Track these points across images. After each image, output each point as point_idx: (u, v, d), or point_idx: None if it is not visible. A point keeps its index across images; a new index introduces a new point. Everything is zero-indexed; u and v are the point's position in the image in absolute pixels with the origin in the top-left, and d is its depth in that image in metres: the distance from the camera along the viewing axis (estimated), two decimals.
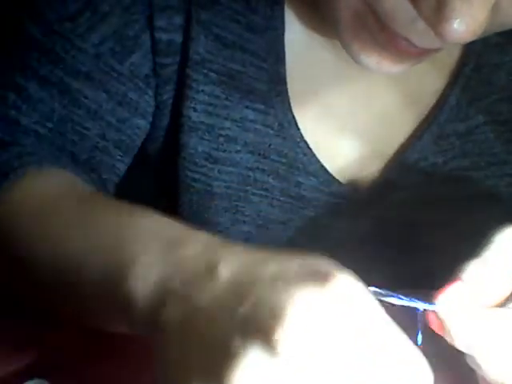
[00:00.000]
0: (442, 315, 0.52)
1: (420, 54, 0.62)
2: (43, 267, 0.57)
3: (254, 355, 0.38)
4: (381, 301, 0.47)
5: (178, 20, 0.71)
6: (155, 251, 0.47)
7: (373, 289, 0.51)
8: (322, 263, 0.42)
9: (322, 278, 0.40)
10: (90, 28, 0.70)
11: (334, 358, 0.38)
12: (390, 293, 0.52)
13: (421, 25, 0.56)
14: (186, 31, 0.72)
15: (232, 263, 0.43)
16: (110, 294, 0.49)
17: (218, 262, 0.43)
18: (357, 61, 0.63)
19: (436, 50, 0.62)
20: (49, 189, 0.63)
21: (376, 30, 0.60)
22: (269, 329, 0.38)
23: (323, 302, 0.39)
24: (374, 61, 0.62)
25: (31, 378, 0.57)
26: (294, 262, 0.42)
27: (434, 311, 0.53)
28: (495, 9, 0.55)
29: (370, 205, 0.78)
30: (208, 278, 0.43)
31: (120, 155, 0.74)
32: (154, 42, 0.71)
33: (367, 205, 0.78)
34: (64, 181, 0.66)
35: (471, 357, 0.53)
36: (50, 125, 0.70)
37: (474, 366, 0.53)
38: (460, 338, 0.52)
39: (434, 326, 0.53)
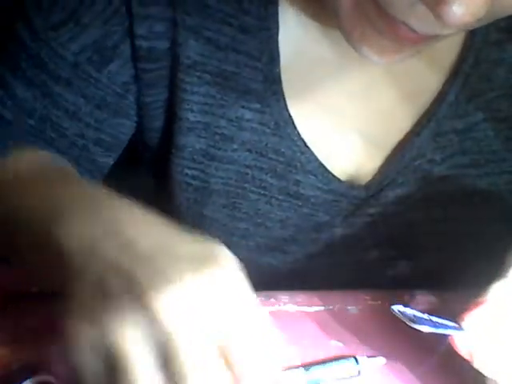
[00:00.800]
0: (468, 340, 0.53)
1: (419, 41, 0.61)
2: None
3: (131, 309, 0.48)
4: (409, 326, 0.49)
5: (160, 27, 0.73)
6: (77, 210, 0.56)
7: (397, 309, 0.52)
8: (216, 248, 0.52)
9: (210, 260, 0.50)
10: (72, 38, 0.73)
11: (194, 324, 0.48)
12: (415, 313, 0.53)
13: (420, 8, 0.56)
14: (173, 38, 0.73)
15: (147, 235, 0.53)
16: (42, 243, 0.56)
17: (132, 234, 0.53)
18: (357, 50, 0.63)
19: (436, 39, 0.61)
20: (21, 162, 0.70)
21: (376, 18, 0.60)
22: (144, 292, 0.48)
23: (201, 279, 0.49)
24: (375, 50, 0.62)
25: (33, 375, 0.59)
26: (195, 245, 0.52)
27: (460, 335, 0.53)
28: None
29: (368, 202, 0.77)
30: (114, 239, 0.53)
31: (101, 151, 0.78)
32: (135, 49, 0.74)
33: (365, 202, 0.78)
34: (36, 156, 0.72)
35: (494, 381, 0.53)
36: (31, 122, 0.75)
37: None
38: (486, 363, 0.52)
39: (461, 351, 0.53)
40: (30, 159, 0.70)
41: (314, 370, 0.62)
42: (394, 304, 0.53)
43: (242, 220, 0.78)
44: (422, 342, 0.53)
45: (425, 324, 0.52)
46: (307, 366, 0.62)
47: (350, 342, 0.65)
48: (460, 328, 0.53)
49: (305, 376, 0.62)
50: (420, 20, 0.58)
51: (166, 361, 0.48)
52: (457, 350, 0.53)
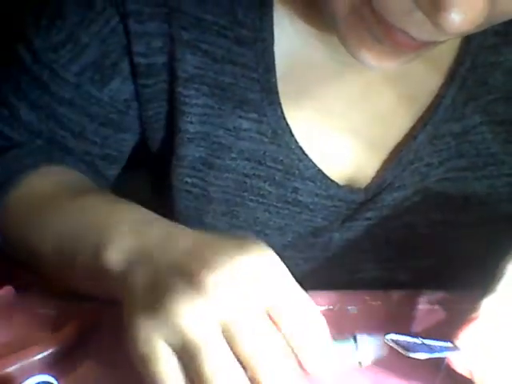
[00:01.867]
0: (465, 359, 0.53)
1: (418, 48, 0.61)
2: (43, 249, 0.67)
3: (185, 290, 0.52)
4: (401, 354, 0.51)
5: (158, 43, 0.74)
6: (127, 231, 0.61)
7: (390, 338, 0.52)
8: (253, 239, 0.57)
9: (251, 246, 0.56)
10: (72, 59, 0.74)
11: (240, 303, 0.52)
12: (408, 339, 0.53)
13: (418, 16, 0.56)
14: (170, 53, 0.74)
15: (187, 237, 0.58)
16: (92, 265, 0.61)
17: (177, 236, 0.59)
18: (355, 57, 0.63)
19: (434, 44, 0.61)
20: (45, 185, 0.73)
21: (373, 24, 0.60)
22: (196, 272, 0.53)
23: (243, 261, 0.54)
24: (373, 56, 0.62)
25: (36, 373, 0.59)
26: (233, 238, 0.57)
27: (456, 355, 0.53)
28: None
29: (366, 206, 0.78)
30: (167, 245, 0.58)
31: (107, 165, 0.80)
32: (134, 66, 0.75)
33: (363, 206, 0.78)
34: (59, 176, 0.75)
35: None
36: (39, 142, 0.77)
37: None
38: (486, 379, 0.53)
39: (460, 369, 0.53)
40: (55, 179, 0.73)
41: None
42: (387, 333, 0.53)
43: (241, 228, 0.78)
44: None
45: (420, 351, 0.52)
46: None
47: None
48: (455, 348, 0.53)
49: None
50: (418, 27, 0.58)
51: (228, 336, 0.52)
52: (456, 369, 0.53)
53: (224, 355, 0.51)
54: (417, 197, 0.77)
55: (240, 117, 0.75)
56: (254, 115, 0.75)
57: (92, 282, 0.62)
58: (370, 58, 0.62)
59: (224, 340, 0.52)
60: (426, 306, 0.68)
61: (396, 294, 0.70)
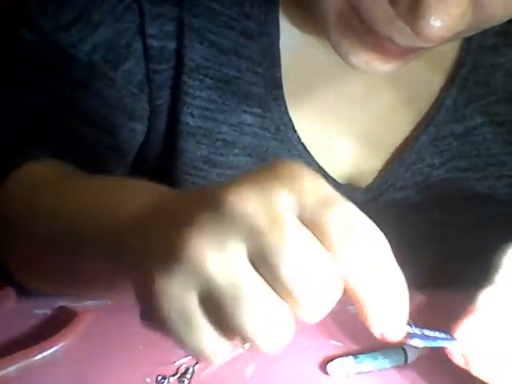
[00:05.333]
0: (463, 350, 0.53)
1: (405, 54, 0.62)
2: (46, 235, 0.59)
3: (207, 218, 0.41)
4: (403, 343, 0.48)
5: (170, 27, 0.72)
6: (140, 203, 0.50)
7: None
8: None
9: (270, 164, 0.43)
10: (84, 37, 0.71)
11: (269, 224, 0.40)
12: (409, 330, 0.52)
13: (400, 23, 0.57)
14: (179, 38, 0.73)
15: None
16: (106, 243, 0.51)
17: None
18: (346, 61, 0.64)
19: (423, 50, 0.62)
20: (50, 171, 0.66)
21: (361, 30, 0.61)
22: (218, 195, 0.41)
23: (269, 174, 0.42)
24: (363, 60, 0.63)
25: None
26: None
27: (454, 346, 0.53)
28: (477, 4, 0.56)
29: (367, 206, 0.77)
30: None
31: (116, 158, 0.75)
32: (146, 48, 0.73)
33: (365, 206, 0.77)
34: (57, 165, 0.68)
35: None
36: (46, 130, 0.72)
37: None
38: (483, 370, 0.53)
39: (458, 361, 0.53)
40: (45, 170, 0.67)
41: (363, 358, 0.63)
42: None
43: None
44: None
45: (417, 337, 0.52)
46: (356, 355, 0.63)
47: (350, 342, 0.66)
48: (453, 339, 0.53)
49: (354, 365, 0.62)
50: (401, 34, 0.59)
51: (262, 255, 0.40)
52: (453, 360, 0.53)
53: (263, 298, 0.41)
54: (418, 197, 0.78)
55: (244, 112, 0.75)
56: (258, 110, 0.75)
57: (102, 259, 0.52)
58: (358, 62, 0.63)
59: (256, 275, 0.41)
60: (426, 305, 0.69)
61: None
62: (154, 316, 0.43)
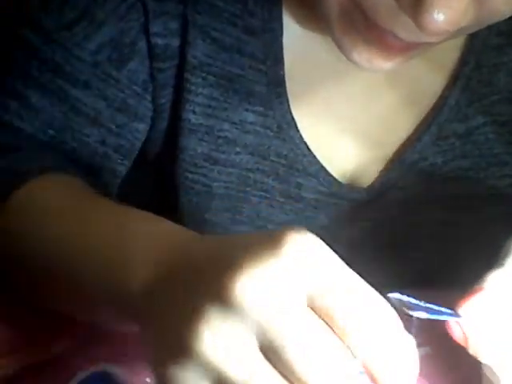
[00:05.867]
0: (465, 327, 0.53)
1: (408, 49, 0.62)
2: (46, 264, 0.59)
3: (215, 312, 0.41)
4: (404, 312, 0.48)
5: (174, 25, 0.72)
6: (148, 245, 0.51)
7: (394, 297, 0.51)
8: (282, 229, 0.43)
9: (276, 238, 0.42)
10: (87, 36, 0.71)
11: (283, 311, 0.41)
12: (411, 300, 0.52)
13: (403, 18, 0.57)
14: (183, 35, 0.72)
15: (205, 245, 0.48)
16: (109, 284, 0.52)
17: (192, 248, 0.48)
18: (348, 58, 0.64)
19: (427, 45, 0.62)
20: (51, 193, 0.65)
21: (363, 26, 0.60)
22: (225, 287, 0.41)
23: (276, 259, 0.41)
24: (365, 57, 0.63)
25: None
26: (254, 236, 0.45)
27: (457, 322, 0.53)
28: None
29: (369, 205, 0.78)
30: (185, 256, 0.47)
31: (120, 159, 0.76)
32: (151, 47, 0.72)
33: (367, 205, 0.78)
34: (66, 184, 0.67)
35: (489, 367, 0.53)
36: (51, 132, 0.72)
37: (491, 377, 0.54)
38: (483, 351, 0.52)
39: (457, 337, 0.53)
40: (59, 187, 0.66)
41: None
42: (391, 292, 0.53)
43: (244, 223, 0.78)
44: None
45: (422, 311, 0.52)
46: None
47: None
48: (457, 315, 0.53)
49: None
50: (405, 29, 0.59)
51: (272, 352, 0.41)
52: (452, 335, 0.53)
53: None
54: (420, 197, 0.78)
55: (246, 110, 0.75)
56: (260, 108, 0.75)
57: (104, 305, 0.55)
58: (361, 59, 0.63)
59: (268, 365, 0.42)
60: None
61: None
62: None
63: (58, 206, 0.63)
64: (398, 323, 0.43)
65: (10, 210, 0.65)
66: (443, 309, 0.53)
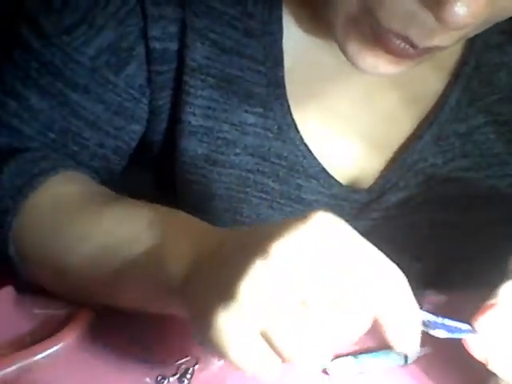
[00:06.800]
0: (483, 344, 0.53)
1: (416, 56, 0.62)
2: (86, 263, 0.63)
3: (256, 266, 0.47)
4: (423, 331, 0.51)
5: (173, 29, 0.73)
6: (184, 241, 0.57)
7: None
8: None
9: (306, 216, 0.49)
10: (87, 41, 0.72)
11: (313, 266, 0.47)
12: (429, 317, 0.53)
13: (421, 17, 0.57)
14: (181, 39, 0.73)
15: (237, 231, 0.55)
16: (149, 278, 0.58)
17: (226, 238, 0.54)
18: (354, 64, 0.64)
19: (436, 50, 0.62)
20: (74, 190, 0.69)
21: (371, 33, 0.61)
22: (264, 245, 0.48)
23: (306, 227, 0.48)
24: (370, 63, 0.63)
25: None
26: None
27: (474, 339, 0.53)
28: None
29: (370, 206, 0.77)
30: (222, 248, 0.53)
31: (118, 160, 0.77)
32: (149, 51, 0.73)
33: (367, 206, 0.77)
34: (83, 181, 0.71)
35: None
36: (51, 135, 0.73)
37: None
38: (500, 366, 0.53)
39: (475, 353, 0.53)
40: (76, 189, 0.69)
41: (363, 358, 0.63)
42: None
43: (244, 224, 0.78)
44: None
45: (439, 328, 0.52)
46: (356, 355, 0.63)
47: (350, 342, 0.65)
48: (474, 331, 0.53)
49: (354, 365, 0.63)
50: (420, 30, 0.59)
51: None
52: (471, 352, 0.53)
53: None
54: (421, 197, 0.77)
55: (245, 111, 0.75)
56: (260, 110, 0.75)
57: (144, 296, 0.60)
58: (367, 65, 0.64)
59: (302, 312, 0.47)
60: (427, 305, 0.68)
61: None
62: (211, 344, 0.49)
63: (83, 203, 0.66)
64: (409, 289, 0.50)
65: (31, 210, 0.67)
66: (459, 324, 0.54)
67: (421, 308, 0.51)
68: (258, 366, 0.49)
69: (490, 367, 0.53)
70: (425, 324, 0.52)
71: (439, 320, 0.53)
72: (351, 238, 0.49)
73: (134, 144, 0.78)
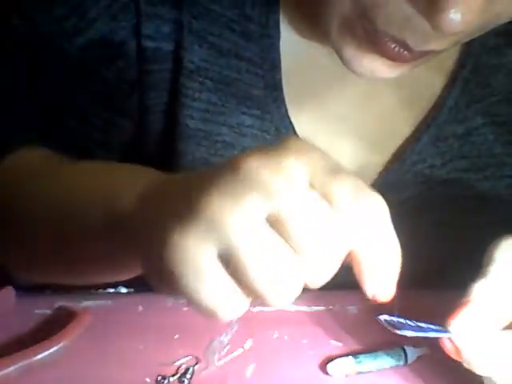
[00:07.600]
0: (457, 342, 0.53)
1: (412, 60, 0.62)
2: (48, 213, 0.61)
3: (224, 176, 0.43)
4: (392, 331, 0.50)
5: (167, 29, 0.73)
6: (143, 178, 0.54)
7: (384, 319, 0.52)
8: None
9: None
10: (76, 32, 0.72)
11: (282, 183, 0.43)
12: (400, 320, 0.53)
13: (416, 21, 0.58)
14: (178, 40, 0.73)
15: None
16: (106, 220, 0.54)
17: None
18: (350, 68, 0.64)
19: (433, 54, 0.62)
20: (35, 156, 0.69)
21: (366, 38, 0.61)
22: (233, 161, 0.44)
23: (281, 148, 0.45)
24: (367, 68, 0.63)
25: None
26: None
27: (448, 338, 0.53)
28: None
29: None
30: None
31: (105, 155, 0.76)
32: (141, 49, 0.73)
33: None
34: (49, 152, 0.70)
35: (489, 378, 0.54)
36: (35, 119, 0.73)
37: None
38: (477, 363, 0.53)
39: (450, 353, 0.54)
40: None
41: (363, 358, 0.63)
42: (379, 314, 0.54)
43: None
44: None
45: (410, 329, 0.52)
46: (356, 356, 0.63)
47: (350, 342, 0.66)
48: (446, 331, 0.53)
49: (354, 364, 0.63)
50: (416, 34, 0.59)
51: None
52: (446, 351, 0.54)
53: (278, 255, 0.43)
54: (419, 198, 0.78)
55: (243, 113, 0.75)
56: (257, 112, 0.75)
57: (106, 241, 0.54)
58: (363, 69, 0.64)
59: (273, 232, 0.43)
60: (427, 305, 0.68)
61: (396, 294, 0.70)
62: (165, 275, 0.43)
63: (55, 163, 0.67)
64: (389, 219, 0.47)
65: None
66: (432, 326, 0.54)
67: (393, 315, 0.52)
68: (220, 301, 0.43)
69: (466, 365, 0.54)
70: (395, 326, 0.52)
71: (411, 323, 0.54)
72: (327, 163, 0.46)
73: (124, 141, 0.78)
